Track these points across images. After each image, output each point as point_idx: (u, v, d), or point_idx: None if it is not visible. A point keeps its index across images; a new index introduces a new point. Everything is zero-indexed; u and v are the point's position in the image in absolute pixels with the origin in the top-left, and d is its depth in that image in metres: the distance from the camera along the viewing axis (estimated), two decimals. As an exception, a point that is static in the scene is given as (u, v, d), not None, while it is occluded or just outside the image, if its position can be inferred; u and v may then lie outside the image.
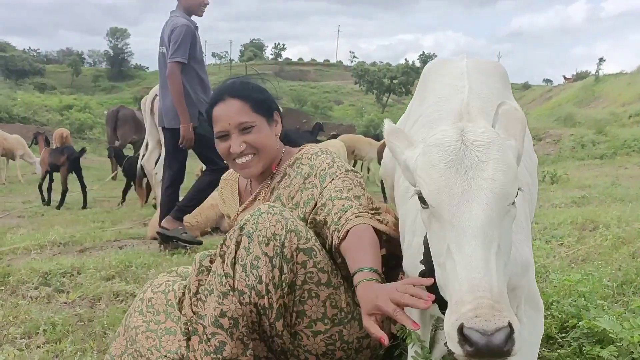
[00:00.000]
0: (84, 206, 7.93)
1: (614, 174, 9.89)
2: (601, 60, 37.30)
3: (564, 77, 46.62)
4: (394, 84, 41.24)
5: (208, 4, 4.33)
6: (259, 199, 1.84)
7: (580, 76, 42.46)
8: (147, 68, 75.39)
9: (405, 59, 48.65)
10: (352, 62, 59.70)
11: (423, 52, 65.09)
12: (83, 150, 8.79)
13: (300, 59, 71.16)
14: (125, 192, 8.28)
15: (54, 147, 8.50)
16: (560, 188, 7.67)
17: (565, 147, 15.58)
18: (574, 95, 33.31)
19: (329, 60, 64.40)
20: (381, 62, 50.12)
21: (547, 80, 55.47)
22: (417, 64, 48.65)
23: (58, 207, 7.87)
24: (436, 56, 57.99)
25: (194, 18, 4.29)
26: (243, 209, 1.90)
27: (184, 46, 4.04)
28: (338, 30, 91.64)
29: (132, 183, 8.17)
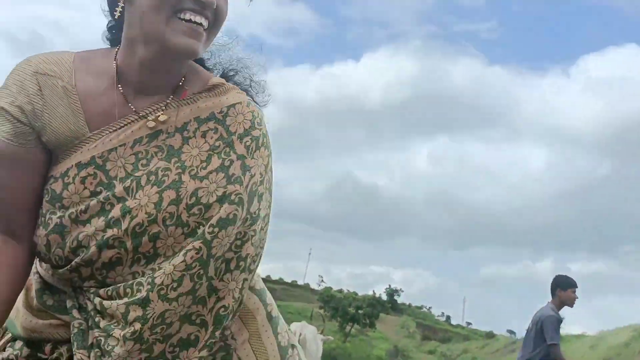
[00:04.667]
0: None
1: None
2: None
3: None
4: (358, 314, 40.71)
5: (577, 297, 5.46)
6: (150, 119, 1.05)
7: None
8: None
9: (373, 291, 48.94)
10: (319, 285, 59.83)
11: (389, 286, 64.92)
12: None
13: (268, 276, 71.26)
14: None
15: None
16: None
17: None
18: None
19: (296, 281, 64.50)
20: (348, 290, 50.12)
21: (511, 332, 56.01)
22: (384, 296, 48.57)
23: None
24: (402, 291, 58.33)
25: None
26: (114, 129, 1.03)
27: (558, 332, 5.38)
28: (309, 253, 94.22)
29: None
